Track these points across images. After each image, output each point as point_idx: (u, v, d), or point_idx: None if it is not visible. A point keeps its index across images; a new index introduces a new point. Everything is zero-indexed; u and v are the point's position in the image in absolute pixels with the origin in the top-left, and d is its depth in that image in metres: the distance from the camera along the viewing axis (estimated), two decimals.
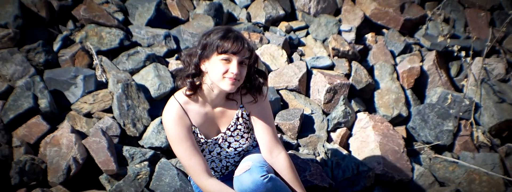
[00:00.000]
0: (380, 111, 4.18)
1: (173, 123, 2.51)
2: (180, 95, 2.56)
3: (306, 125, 3.85)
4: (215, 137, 2.65)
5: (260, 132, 2.68)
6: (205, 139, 2.62)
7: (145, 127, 3.54)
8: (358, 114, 4.02)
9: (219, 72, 2.39)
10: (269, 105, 2.72)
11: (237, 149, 2.70)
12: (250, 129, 2.73)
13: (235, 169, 2.63)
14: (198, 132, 2.59)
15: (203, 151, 2.65)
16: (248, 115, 2.69)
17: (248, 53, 2.39)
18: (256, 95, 2.63)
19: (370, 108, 4.23)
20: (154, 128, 3.50)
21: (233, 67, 2.38)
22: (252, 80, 2.58)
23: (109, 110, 3.58)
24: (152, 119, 3.57)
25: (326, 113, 3.99)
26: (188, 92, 2.52)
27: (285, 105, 3.99)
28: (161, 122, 3.48)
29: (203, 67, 2.47)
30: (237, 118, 2.66)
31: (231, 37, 2.37)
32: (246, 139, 2.70)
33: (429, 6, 4.89)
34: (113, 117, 3.53)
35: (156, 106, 3.63)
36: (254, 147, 2.85)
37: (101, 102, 3.58)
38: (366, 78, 4.24)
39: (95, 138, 3.32)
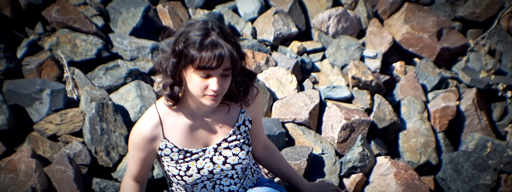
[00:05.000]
0: (404, 156, 4.33)
1: (140, 137, 2.68)
2: (162, 105, 2.71)
3: (314, 167, 3.97)
4: (204, 148, 2.78)
5: (256, 132, 2.95)
6: (185, 151, 2.73)
7: (121, 157, 3.67)
8: (378, 158, 4.15)
9: (198, 90, 2.52)
10: (261, 103, 2.95)
11: (235, 166, 2.81)
12: (250, 141, 2.87)
13: None
14: (171, 146, 2.71)
15: (189, 170, 2.75)
16: (251, 122, 2.84)
17: (229, 62, 2.48)
18: (247, 98, 2.77)
19: (393, 152, 4.39)
20: None
21: (213, 84, 2.50)
22: (241, 84, 2.70)
23: (79, 134, 3.70)
24: None
25: (339, 155, 4.13)
26: (169, 103, 2.66)
27: (290, 142, 4.13)
28: None
29: (183, 76, 2.59)
30: (239, 126, 2.81)
31: (209, 46, 2.42)
32: (247, 153, 2.82)
33: (472, 34, 5.05)
34: (83, 142, 3.66)
35: None
36: (257, 184, 3.00)
37: (70, 123, 3.70)
38: (390, 115, 4.39)
39: (60, 166, 3.43)
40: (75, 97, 3.86)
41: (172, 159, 2.74)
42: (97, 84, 3.97)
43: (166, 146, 2.71)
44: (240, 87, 2.68)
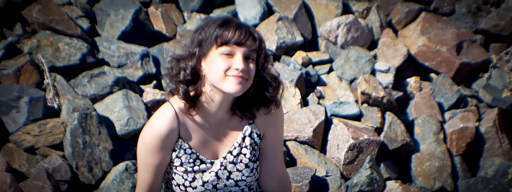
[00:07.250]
0: (417, 181, 4.37)
1: (156, 135, 2.67)
2: (178, 101, 2.74)
3: (317, 191, 4.00)
4: (212, 160, 2.81)
5: (271, 157, 2.89)
6: (196, 156, 2.77)
7: (105, 173, 3.71)
8: (388, 182, 4.18)
9: (220, 70, 2.52)
10: (281, 123, 2.92)
11: (239, 183, 2.85)
12: (257, 157, 2.89)
13: None
14: (185, 147, 2.74)
15: (194, 181, 2.79)
16: (260, 136, 2.85)
17: (255, 43, 2.52)
18: (267, 106, 2.78)
19: (405, 176, 4.42)
20: (117, 175, 3.66)
21: (238, 61, 2.51)
22: (260, 86, 2.72)
23: (59, 147, 3.73)
24: (115, 164, 3.74)
25: (345, 177, 4.16)
26: (184, 103, 2.69)
27: (292, 162, 4.16)
28: (126, 169, 3.65)
29: (201, 70, 2.63)
30: (243, 138, 2.82)
31: (233, 25, 2.49)
32: (251, 171, 2.84)
33: (495, 49, 5.10)
34: (64, 156, 3.69)
35: (122, 146, 3.80)
36: None
37: (49, 135, 3.73)
38: (402, 136, 4.43)
39: (37, 181, 3.46)
40: (56, 106, 3.89)
41: (181, 164, 2.76)
42: (81, 92, 4.01)
43: (180, 147, 2.74)
44: (258, 92, 2.67)
